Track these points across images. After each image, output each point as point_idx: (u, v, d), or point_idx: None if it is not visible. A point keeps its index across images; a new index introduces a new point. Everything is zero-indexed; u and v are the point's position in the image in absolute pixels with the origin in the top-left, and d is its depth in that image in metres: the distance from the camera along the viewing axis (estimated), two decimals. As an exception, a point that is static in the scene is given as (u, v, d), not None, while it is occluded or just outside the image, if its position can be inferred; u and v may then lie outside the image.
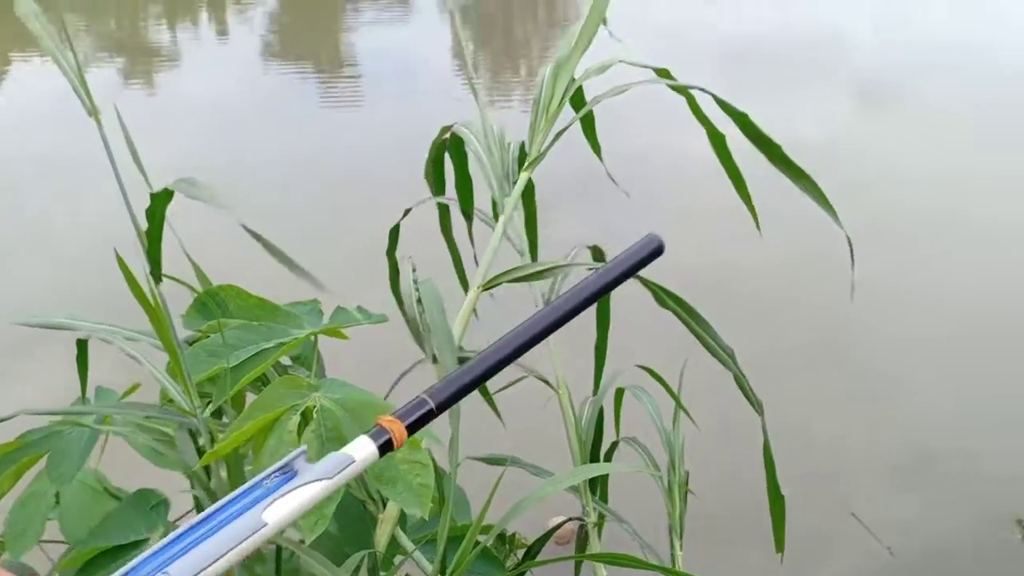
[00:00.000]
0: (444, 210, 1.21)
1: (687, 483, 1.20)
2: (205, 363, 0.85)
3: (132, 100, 5.26)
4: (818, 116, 4.68)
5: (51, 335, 0.89)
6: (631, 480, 1.30)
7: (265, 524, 0.41)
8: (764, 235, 1.04)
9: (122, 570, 0.38)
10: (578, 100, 1.13)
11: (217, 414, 0.84)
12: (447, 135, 1.11)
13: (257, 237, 0.76)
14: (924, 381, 2.92)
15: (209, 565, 0.38)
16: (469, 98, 1.14)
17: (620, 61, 1.11)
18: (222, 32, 6.78)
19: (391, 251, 1.12)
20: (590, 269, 1.10)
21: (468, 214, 1.17)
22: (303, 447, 0.45)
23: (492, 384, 1.22)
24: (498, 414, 1.24)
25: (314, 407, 0.75)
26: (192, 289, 0.94)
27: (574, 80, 1.08)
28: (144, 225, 0.79)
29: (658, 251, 0.59)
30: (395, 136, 3.90)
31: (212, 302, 0.91)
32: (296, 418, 0.74)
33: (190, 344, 0.88)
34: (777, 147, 0.95)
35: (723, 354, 0.96)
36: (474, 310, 1.00)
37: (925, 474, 2.57)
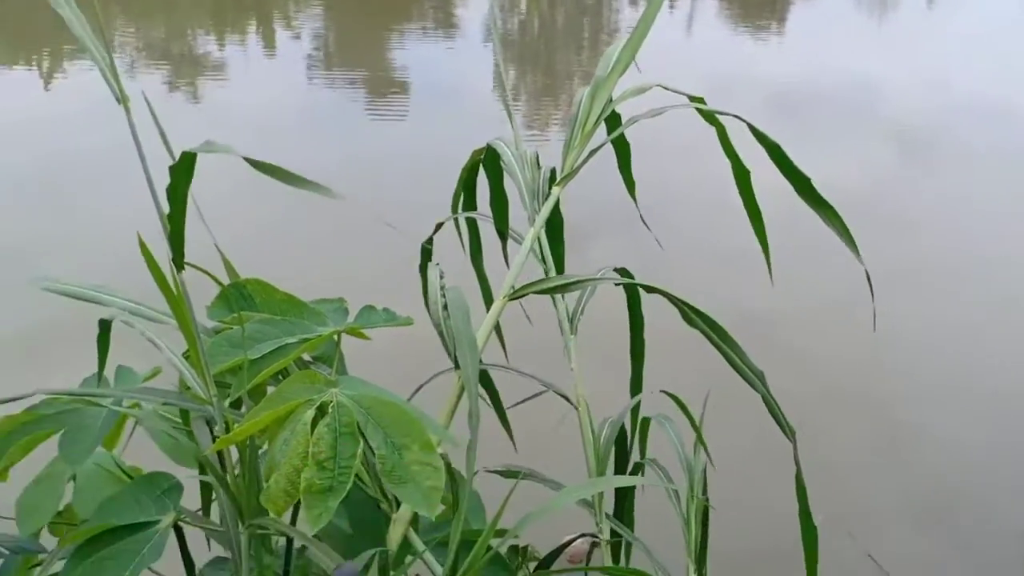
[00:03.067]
0: (473, 228, 1.22)
1: (707, 506, 1.17)
2: (226, 353, 0.85)
3: (176, 107, 5.36)
4: (856, 165, 4.66)
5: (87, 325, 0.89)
6: (662, 513, 1.27)
7: None
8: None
9: None
10: (614, 124, 1.13)
11: (237, 405, 0.84)
12: (480, 157, 1.12)
13: (260, 165, 0.76)
14: (949, 428, 2.87)
15: None
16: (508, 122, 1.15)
17: (657, 85, 1.11)
18: (269, 46, 6.90)
19: (424, 266, 1.12)
20: (616, 284, 1.09)
21: (503, 231, 1.17)
22: None
23: (509, 399, 1.22)
24: (511, 437, 1.23)
25: (330, 402, 0.75)
26: (216, 281, 0.94)
27: (611, 100, 1.08)
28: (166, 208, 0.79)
29: None
30: (432, 156, 3.94)
31: (238, 295, 0.92)
32: (311, 412, 0.74)
33: (215, 333, 0.88)
34: (807, 179, 0.93)
35: (752, 376, 0.93)
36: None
37: (944, 520, 2.52)
